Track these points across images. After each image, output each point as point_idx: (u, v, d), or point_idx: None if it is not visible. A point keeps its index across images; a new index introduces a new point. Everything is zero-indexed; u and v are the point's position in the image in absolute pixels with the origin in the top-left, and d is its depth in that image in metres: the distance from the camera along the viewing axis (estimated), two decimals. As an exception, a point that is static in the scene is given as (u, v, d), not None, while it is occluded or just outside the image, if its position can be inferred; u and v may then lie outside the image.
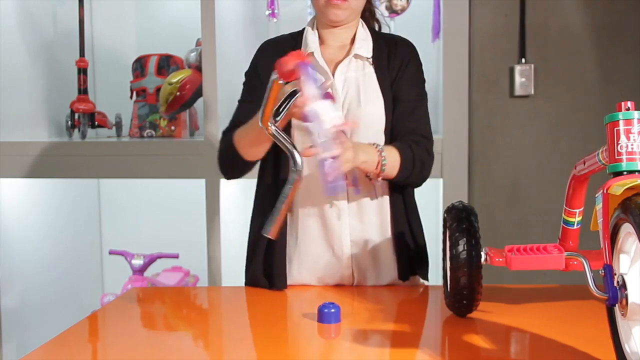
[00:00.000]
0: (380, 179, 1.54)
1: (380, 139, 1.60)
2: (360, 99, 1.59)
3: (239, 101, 1.70)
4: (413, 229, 1.66)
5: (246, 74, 1.70)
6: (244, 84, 1.70)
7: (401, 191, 1.64)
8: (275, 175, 1.62)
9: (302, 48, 1.63)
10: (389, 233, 1.64)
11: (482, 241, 1.33)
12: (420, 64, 1.67)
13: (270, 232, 1.32)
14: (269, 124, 1.32)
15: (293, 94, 1.31)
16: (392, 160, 1.51)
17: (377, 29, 1.74)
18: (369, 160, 1.47)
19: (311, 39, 1.63)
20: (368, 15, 1.72)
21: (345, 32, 1.64)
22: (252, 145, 1.56)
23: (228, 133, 1.63)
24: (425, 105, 1.65)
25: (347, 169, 1.37)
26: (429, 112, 1.67)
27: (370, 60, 1.63)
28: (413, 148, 1.55)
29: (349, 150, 1.35)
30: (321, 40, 1.65)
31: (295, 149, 1.32)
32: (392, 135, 1.60)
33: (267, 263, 1.63)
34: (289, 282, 1.63)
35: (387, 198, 1.63)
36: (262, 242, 1.62)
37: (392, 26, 2.66)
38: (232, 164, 1.63)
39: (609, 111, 1.04)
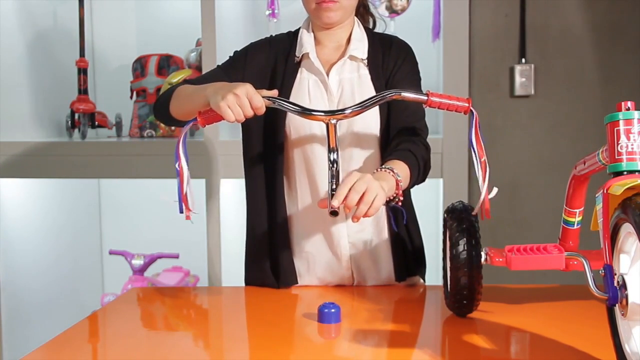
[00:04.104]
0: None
1: (375, 141, 1.58)
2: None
3: (217, 66, 1.66)
4: (410, 230, 1.65)
5: (235, 51, 1.67)
6: (230, 57, 1.66)
7: None
8: (268, 168, 1.61)
9: (296, 49, 1.62)
10: (385, 234, 1.63)
11: (482, 241, 1.33)
12: (416, 64, 1.64)
13: (335, 207, 1.28)
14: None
15: None
16: (404, 176, 1.44)
17: (371, 24, 1.72)
18: (390, 189, 1.38)
19: (306, 40, 1.61)
20: (363, 10, 1.70)
21: (341, 32, 1.63)
22: (187, 109, 1.49)
23: (182, 85, 1.56)
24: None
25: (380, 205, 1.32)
26: (429, 112, 1.66)
27: (365, 61, 1.60)
28: (413, 151, 1.49)
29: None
30: (317, 41, 1.63)
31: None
32: (387, 132, 1.58)
33: (273, 261, 1.62)
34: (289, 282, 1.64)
35: None
36: (265, 240, 1.63)
37: (392, 26, 2.65)
38: (163, 112, 1.58)
39: (609, 111, 1.04)
